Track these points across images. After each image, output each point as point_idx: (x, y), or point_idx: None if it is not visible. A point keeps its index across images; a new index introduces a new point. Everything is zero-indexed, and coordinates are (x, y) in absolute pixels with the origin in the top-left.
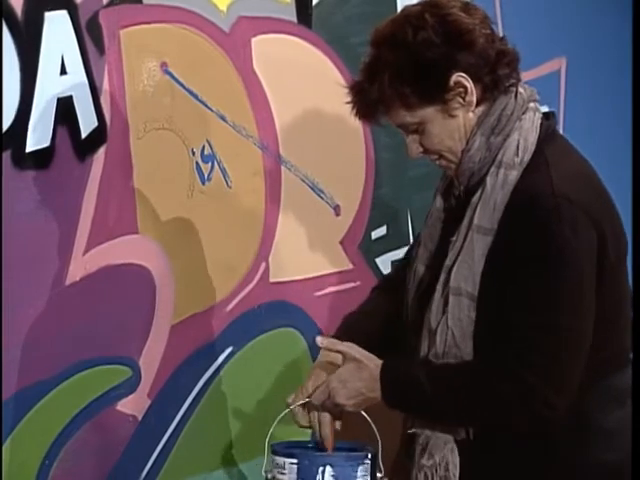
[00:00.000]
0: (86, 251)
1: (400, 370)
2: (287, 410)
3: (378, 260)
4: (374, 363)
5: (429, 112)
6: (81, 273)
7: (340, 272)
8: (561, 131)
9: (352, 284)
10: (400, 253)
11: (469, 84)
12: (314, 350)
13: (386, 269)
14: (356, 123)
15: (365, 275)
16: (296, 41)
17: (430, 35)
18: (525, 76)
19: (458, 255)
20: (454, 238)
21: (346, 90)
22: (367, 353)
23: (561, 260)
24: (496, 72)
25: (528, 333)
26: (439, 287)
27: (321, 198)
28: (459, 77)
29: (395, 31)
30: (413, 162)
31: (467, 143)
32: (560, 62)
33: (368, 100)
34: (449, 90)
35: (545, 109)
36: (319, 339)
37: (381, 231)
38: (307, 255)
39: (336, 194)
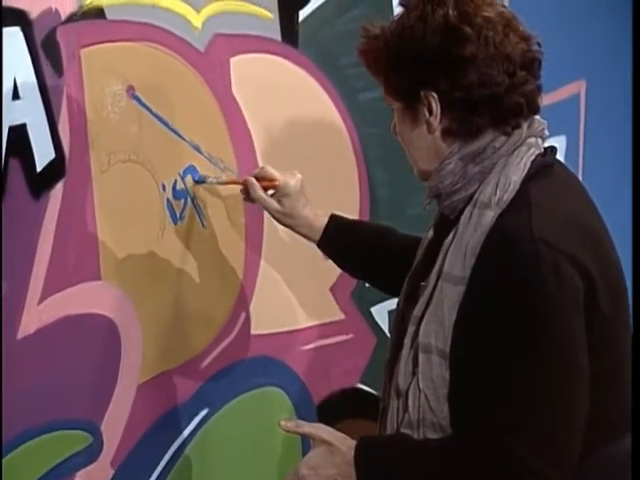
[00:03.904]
0: (41, 300)
1: (376, 452)
2: None
3: (373, 310)
4: (346, 445)
5: (397, 106)
6: (35, 325)
7: (330, 323)
8: (580, 157)
9: (344, 336)
10: None
11: (435, 108)
12: (300, 411)
13: (382, 320)
14: (350, 156)
15: (358, 326)
16: (280, 61)
17: (431, 38)
18: (544, 100)
19: (427, 306)
20: (424, 283)
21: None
22: (337, 433)
23: (543, 312)
24: (476, 117)
25: (511, 397)
26: (407, 341)
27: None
28: (431, 95)
29: (418, 7)
30: (412, 200)
31: (441, 164)
32: (579, 85)
33: (367, 46)
34: (417, 100)
35: (560, 140)
36: (283, 422)
37: None
38: (293, 304)
39: None
